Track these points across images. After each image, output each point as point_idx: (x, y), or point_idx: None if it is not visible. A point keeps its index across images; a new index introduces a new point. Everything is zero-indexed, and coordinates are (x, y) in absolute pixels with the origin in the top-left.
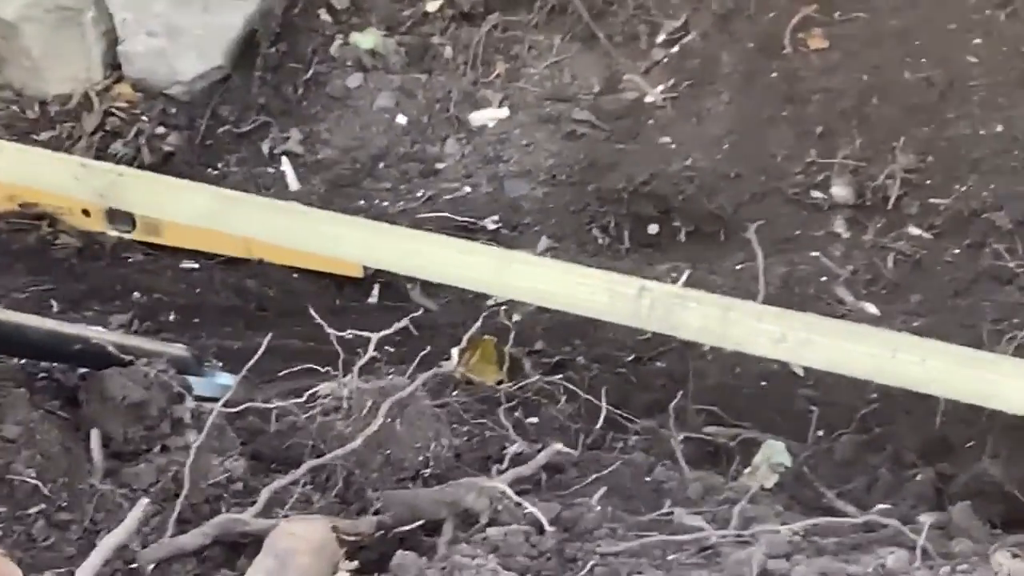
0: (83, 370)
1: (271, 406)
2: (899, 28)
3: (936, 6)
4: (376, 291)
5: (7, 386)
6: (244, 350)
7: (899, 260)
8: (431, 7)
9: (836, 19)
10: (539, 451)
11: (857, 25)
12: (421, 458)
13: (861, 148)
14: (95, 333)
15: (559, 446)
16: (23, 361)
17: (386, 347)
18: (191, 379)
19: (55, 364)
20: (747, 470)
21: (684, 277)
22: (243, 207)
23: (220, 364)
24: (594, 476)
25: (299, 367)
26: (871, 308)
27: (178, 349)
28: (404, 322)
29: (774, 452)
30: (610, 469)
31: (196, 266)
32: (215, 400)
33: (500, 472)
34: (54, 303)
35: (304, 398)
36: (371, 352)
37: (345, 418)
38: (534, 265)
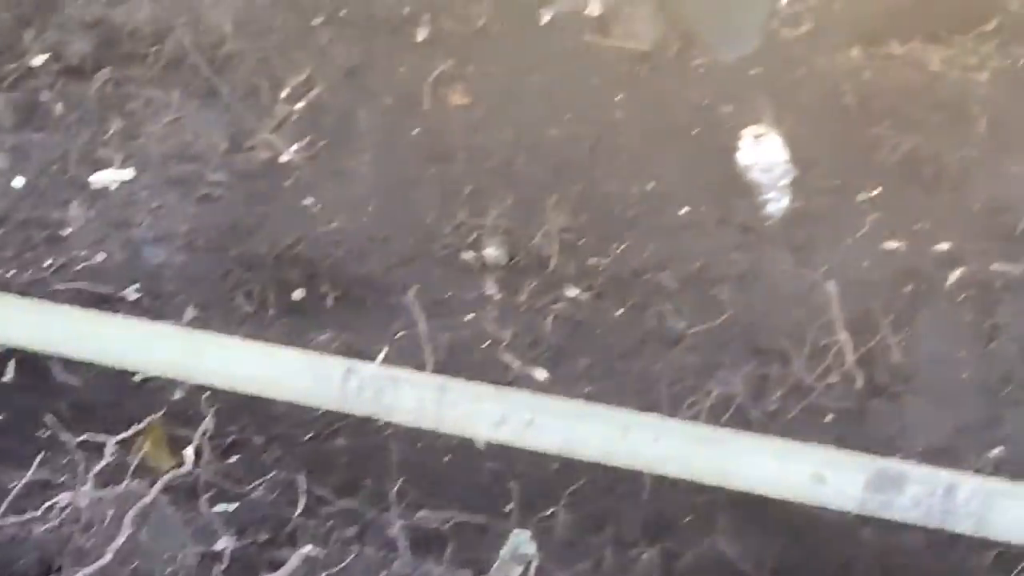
0: None
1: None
2: (542, 84)
3: (577, 62)
4: (12, 367)
5: None
6: None
7: (559, 322)
8: (36, 61)
9: (476, 74)
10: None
11: (499, 81)
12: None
13: (512, 207)
14: None
15: (308, 548)
16: None
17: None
18: None
19: None
20: (496, 564)
21: (382, 355)
22: None
23: None
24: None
25: None
26: (540, 374)
27: None
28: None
29: (520, 543)
30: (343, 565)
31: None
32: None
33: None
34: None
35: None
36: (108, 457)
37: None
38: (228, 347)
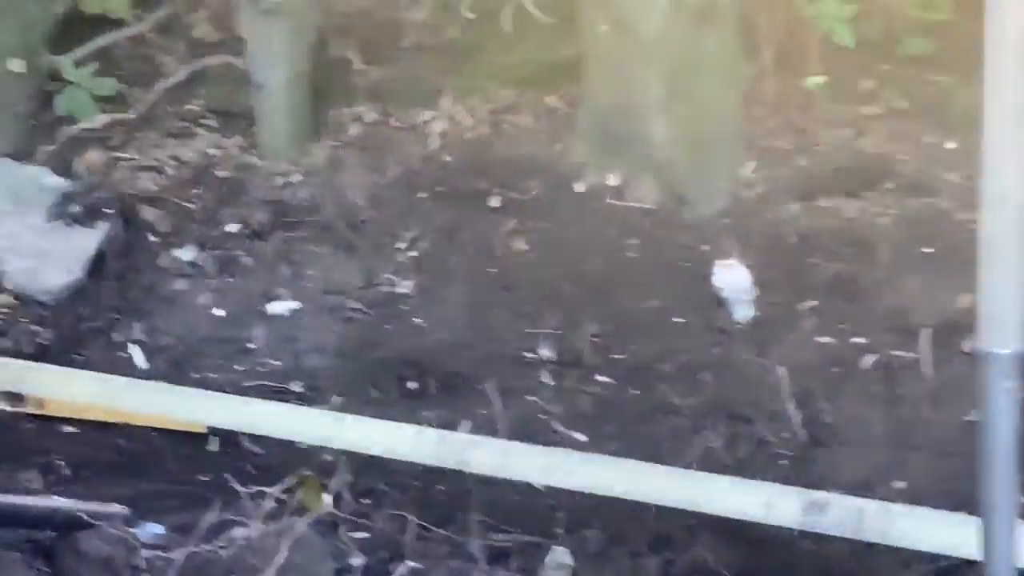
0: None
1: (199, 549)
2: (577, 236)
3: (600, 219)
4: (216, 442)
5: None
6: (130, 495)
7: (593, 400)
8: (231, 228)
9: (532, 229)
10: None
11: (548, 234)
12: None
13: (559, 321)
14: (68, 504)
15: (411, 563)
16: None
17: (231, 484)
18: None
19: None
20: (541, 570)
21: (467, 427)
22: (124, 389)
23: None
24: None
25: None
26: (580, 436)
27: (120, 508)
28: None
29: (559, 555)
30: (439, 573)
31: (76, 430)
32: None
33: None
34: None
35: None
36: (272, 503)
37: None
38: (360, 423)
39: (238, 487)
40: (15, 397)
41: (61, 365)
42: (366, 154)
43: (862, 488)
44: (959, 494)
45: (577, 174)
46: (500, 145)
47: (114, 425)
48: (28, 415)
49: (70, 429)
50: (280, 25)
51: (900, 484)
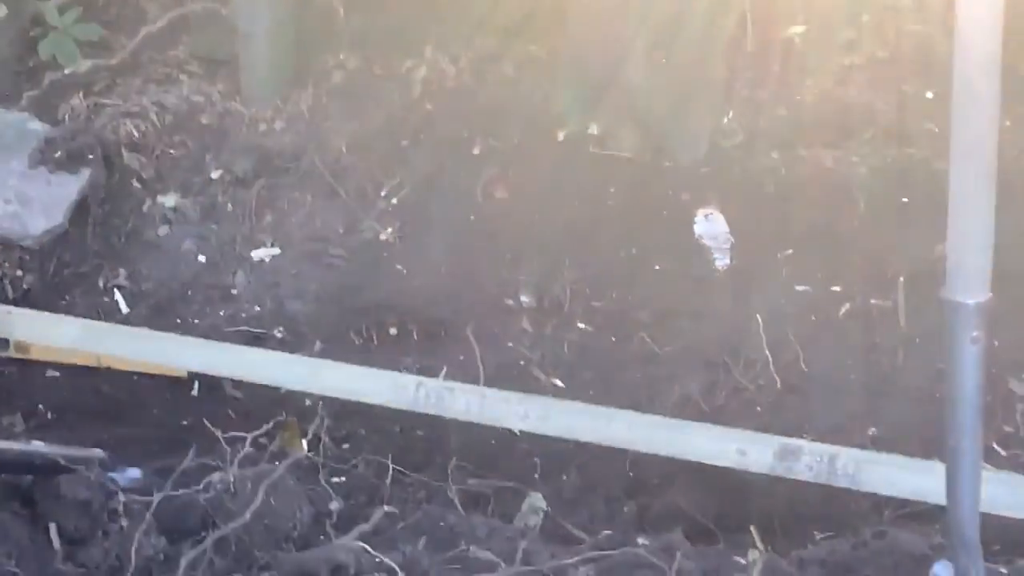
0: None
1: (178, 492)
2: (558, 182)
3: (582, 166)
4: (196, 386)
5: None
6: (111, 439)
7: (572, 347)
8: (214, 175)
9: (513, 177)
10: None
11: (529, 181)
12: (291, 524)
13: (539, 268)
14: (47, 449)
15: (387, 507)
16: None
17: (216, 429)
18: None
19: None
20: (518, 515)
21: (443, 373)
22: (106, 333)
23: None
24: (401, 524)
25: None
26: (559, 383)
27: (98, 453)
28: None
29: (535, 500)
30: (415, 518)
31: (58, 375)
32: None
33: (335, 526)
34: None
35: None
36: (247, 448)
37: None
38: (339, 369)
39: (218, 432)
40: (0, 343)
41: (44, 310)
42: (349, 102)
43: (837, 435)
44: (931, 441)
45: (558, 123)
46: (482, 94)
47: (96, 370)
48: (11, 359)
49: (53, 374)
50: None
51: (872, 430)
